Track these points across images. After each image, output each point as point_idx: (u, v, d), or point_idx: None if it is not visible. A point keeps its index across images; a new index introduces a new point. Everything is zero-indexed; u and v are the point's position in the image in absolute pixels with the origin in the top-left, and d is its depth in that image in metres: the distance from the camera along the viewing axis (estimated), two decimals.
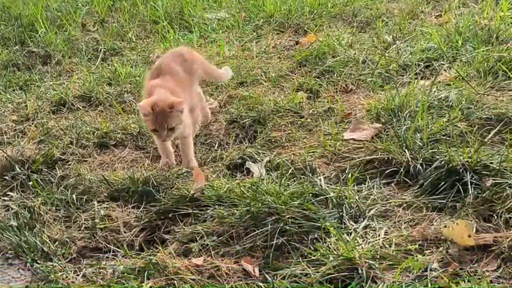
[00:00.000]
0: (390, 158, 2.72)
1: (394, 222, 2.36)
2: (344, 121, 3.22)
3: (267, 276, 2.15)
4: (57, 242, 2.47)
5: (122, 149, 3.33)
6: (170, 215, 2.59)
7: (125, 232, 2.55)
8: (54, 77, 4.50)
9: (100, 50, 4.82)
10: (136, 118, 3.55)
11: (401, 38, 4.17)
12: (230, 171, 2.92)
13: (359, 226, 2.33)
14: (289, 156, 2.92)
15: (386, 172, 2.67)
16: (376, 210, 2.43)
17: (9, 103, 4.04)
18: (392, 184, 2.60)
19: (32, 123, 3.69)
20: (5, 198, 2.91)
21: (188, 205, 2.60)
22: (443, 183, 2.49)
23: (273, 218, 2.39)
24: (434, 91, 3.22)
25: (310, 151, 2.95)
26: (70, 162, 3.20)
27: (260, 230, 2.37)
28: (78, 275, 2.25)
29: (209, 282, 2.14)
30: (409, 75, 3.57)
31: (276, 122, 3.29)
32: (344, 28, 4.57)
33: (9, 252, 2.46)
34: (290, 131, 3.19)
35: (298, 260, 2.19)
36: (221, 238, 2.39)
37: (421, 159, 2.62)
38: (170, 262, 2.24)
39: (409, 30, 4.30)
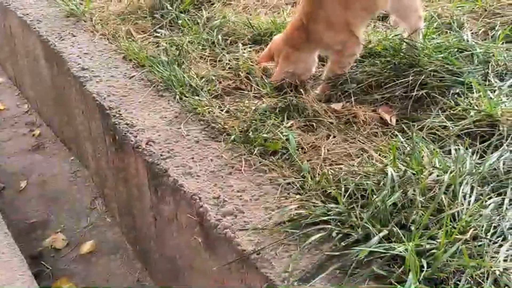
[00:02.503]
0: None
1: None
2: None
3: (404, 126, 2.17)
4: (203, 79, 2.60)
5: None
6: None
7: (266, 75, 2.62)
8: None
9: None
10: None
11: None
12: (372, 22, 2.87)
13: (505, 84, 2.26)
14: (436, 9, 2.81)
15: None
16: None
17: None
18: None
19: None
20: (156, 35, 3.07)
21: None
22: None
23: (415, 70, 2.36)
24: None
25: (459, 5, 2.82)
26: (215, 4, 3.28)
27: (400, 81, 2.36)
28: (222, 110, 2.38)
29: (347, 127, 2.20)
30: None
31: None
32: None
33: (160, 85, 2.63)
34: None
35: (437, 113, 2.18)
36: (361, 86, 2.41)
37: None
38: (310, 105, 2.31)
39: None
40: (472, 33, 2.61)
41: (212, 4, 3.31)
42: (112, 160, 2.65)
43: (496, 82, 2.30)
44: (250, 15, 3.16)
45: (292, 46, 2.44)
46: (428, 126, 2.11)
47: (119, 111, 2.48)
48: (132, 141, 2.29)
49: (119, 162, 2.56)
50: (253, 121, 2.23)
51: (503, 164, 1.86)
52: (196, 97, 2.48)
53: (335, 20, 2.39)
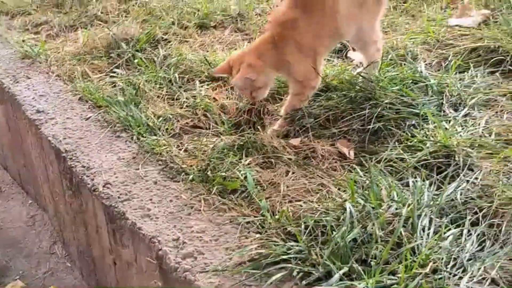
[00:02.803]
0: (497, 46, 2.62)
1: (496, 112, 2.31)
2: (450, 7, 3.09)
3: (362, 159, 2.18)
4: (161, 118, 2.58)
5: (222, 30, 3.36)
6: (269, 97, 2.63)
7: (223, 112, 2.62)
8: None
9: None
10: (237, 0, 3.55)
11: None
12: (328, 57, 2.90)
13: (459, 114, 2.30)
14: (390, 42, 2.86)
15: (492, 60, 2.57)
16: (478, 99, 2.37)
17: None
18: (497, 74, 2.51)
19: (136, 3, 3.77)
20: (112, 75, 3.04)
21: (286, 87, 2.63)
22: None
23: (371, 103, 2.38)
24: None
25: (412, 36, 2.87)
26: (172, 42, 3.28)
27: (357, 114, 2.37)
28: (180, 149, 2.36)
29: (305, 162, 2.20)
30: None
31: None
32: None
33: (117, 125, 2.60)
34: (392, 16, 3.11)
35: (394, 145, 2.20)
36: (318, 120, 2.42)
37: None
38: (268, 141, 2.31)
39: None
40: (426, 64, 2.65)
41: (169, 42, 3.31)
42: (70, 203, 2.60)
43: (450, 112, 2.33)
44: (207, 51, 3.16)
45: (258, 56, 2.42)
46: (386, 158, 2.12)
47: (76, 153, 2.44)
48: (89, 184, 2.25)
49: (77, 206, 2.51)
50: (212, 160, 2.22)
51: (460, 194, 1.87)
52: (154, 137, 2.46)
53: (305, 45, 2.41)
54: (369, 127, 2.30)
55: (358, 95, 2.44)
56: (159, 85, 2.86)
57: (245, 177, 2.08)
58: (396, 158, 2.12)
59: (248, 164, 2.20)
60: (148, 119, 2.57)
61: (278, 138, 2.34)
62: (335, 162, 2.21)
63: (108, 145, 2.48)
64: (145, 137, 2.46)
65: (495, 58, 2.58)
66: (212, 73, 2.61)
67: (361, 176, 2.04)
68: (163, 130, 2.50)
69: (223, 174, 2.13)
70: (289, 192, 2.03)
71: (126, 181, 2.23)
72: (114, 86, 2.93)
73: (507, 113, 2.28)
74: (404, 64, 2.68)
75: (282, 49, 2.40)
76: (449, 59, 2.67)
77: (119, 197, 2.14)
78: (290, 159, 2.22)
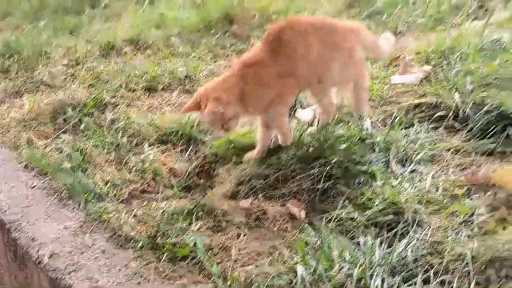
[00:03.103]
0: (439, 102, 2.68)
1: (442, 167, 2.35)
2: (393, 65, 3.17)
3: (313, 219, 2.17)
4: (109, 184, 2.54)
5: (170, 93, 3.36)
6: (218, 158, 2.62)
7: (173, 175, 2.60)
8: (103, 20, 4.53)
9: None
10: (184, 62, 3.57)
11: None
12: None
13: (406, 170, 2.33)
14: (336, 99, 2.89)
15: (435, 116, 2.63)
16: (424, 154, 2.41)
17: (60, 47, 4.11)
18: (441, 129, 2.56)
19: (82, 67, 3.75)
20: (58, 141, 2.99)
21: (236, 149, 2.63)
22: (493, 127, 2.45)
23: (320, 161, 2.40)
24: (487, 33, 3.13)
25: None
26: (119, 106, 3.26)
27: (306, 174, 2.38)
28: (129, 216, 2.31)
29: (256, 224, 2.18)
30: (461, 16, 3.47)
31: None
32: None
33: (64, 192, 2.54)
34: None
35: (344, 204, 2.20)
36: (268, 180, 2.41)
37: (471, 103, 2.58)
38: (218, 204, 2.29)
39: None
40: (371, 121, 2.69)
41: (117, 105, 3.28)
42: (15, 276, 2.50)
43: (398, 168, 2.35)
44: (155, 114, 3.14)
45: (225, 90, 2.43)
46: (336, 217, 2.12)
47: (20, 223, 2.37)
48: (34, 256, 2.18)
49: (22, 278, 2.42)
50: (161, 226, 2.18)
51: (411, 252, 1.88)
52: (102, 204, 2.41)
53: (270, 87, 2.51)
54: (318, 186, 2.31)
55: (307, 154, 2.46)
56: (107, 149, 2.82)
57: (195, 243, 2.05)
58: (346, 217, 2.13)
59: (199, 228, 2.17)
60: (95, 185, 2.53)
61: (229, 200, 2.33)
62: (286, 223, 2.20)
63: (55, 214, 2.42)
64: (93, 204, 2.41)
65: (437, 114, 2.64)
66: (181, 112, 2.60)
67: (312, 237, 2.03)
68: (111, 196, 2.46)
69: (173, 240, 2.09)
70: (241, 256, 2.01)
71: (73, 251, 2.17)
72: (61, 152, 2.88)
73: (452, 167, 2.32)
74: (351, 121, 2.72)
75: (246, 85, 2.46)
76: (393, 115, 2.72)
77: (65, 268, 2.07)
78: (241, 221, 2.20)
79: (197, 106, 2.46)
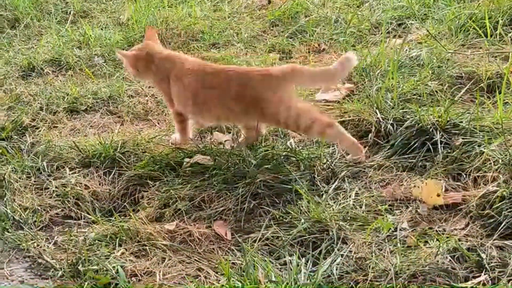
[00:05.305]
0: (361, 118, 2.73)
1: (365, 183, 2.38)
2: None
3: (239, 239, 2.16)
4: (28, 210, 2.45)
5: (93, 114, 3.29)
6: (141, 181, 2.57)
7: (96, 199, 2.53)
8: (23, 41, 4.40)
9: (70, 12, 4.72)
10: (107, 82, 3.50)
11: None
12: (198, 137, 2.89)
13: (330, 187, 2.35)
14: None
15: (358, 133, 2.67)
16: (348, 171, 2.44)
17: None
18: (363, 145, 2.60)
19: (1, 89, 3.62)
20: None
21: (159, 170, 2.59)
22: (413, 142, 2.51)
23: (245, 181, 2.39)
24: (406, 50, 3.21)
25: None
26: (40, 129, 3.15)
27: (232, 193, 2.37)
28: (49, 243, 2.24)
29: (182, 247, 2.15)
30: (381, 33, 3.56)
31: None
32: None
33: None
34: None
35: (269, 223, 2.20)
36: (193, 202, 2.38)
37: (392, 119, 2.63)
38: (142, 228, 2.24)
39: None
40: (296, 139, 2.71)
41: (37, 128, 3.17)
42: None
43: (322, 186, 2.37)
44: (78, 137, 3.06)
45: None
46: (262, 237, 2.12)
47: None
48: None
49: None
50: (83, 252, 2.11)
51: (336, 269, 1.89)
52: (20, 231, 2.32)
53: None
54: (244, 206, 2.30)
55: (232, 174, 2.45)
56: (26, 174, 2.72)
57: (118, 270, 1.99)
58: (272, 236, 2.13)
59: (122, 254, 2.12)
60: (14, 212, 2.43)
61: (153, 223, 2.29)
62: (212, 244, 2.18)
63: None
64: (11, 232, 2.32)
65: (361, 131, 2.68)
66: None
67: (238, 258, 2.02)
68: (31, 223, 2.37)
69: (95, 267, 2.03)
70: (166, 281, 1.98)
71: None
72: None
73: (374, 183, 2.36)
74: (275, 139, 2.73)
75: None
76: None
77: None
78: (165, 245, 2.16)
79: None
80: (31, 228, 2.34)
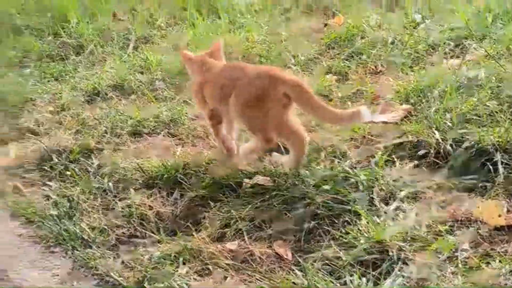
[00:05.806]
0: (419, 140, 2.74)
1: (425, 204, 2.38)
2: (374, 103, 3.23)
3: (299, 259, 2.19)
4: (95, 230, 2.54)
5: (155, 136, 3.39)
6: (203, 201, 2.64)
7: (160, 219, 2.61)
8: (87, 67, 4.57)
9: (131, 39, 4.88)
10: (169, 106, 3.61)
11: (430, 17, 4.14)
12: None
13: (390, 208, 2.36)
14: (319, 139, 2.94)
15: (416, 154, 2.68)
16: (407, 192, 2.45)
17: (45, 94, 4.14)
18: (422, 166, 2.61)
19: (68, 113, 3.77)
20: (45, 188, 3.00)
21: (220, 191, 2.66)
22: (473, 163, 2.50)
23: (304, 202, 2.43)
24: (464, 70, 3.20)
25: (338, 134, 2.97)
26: (105, 151, 3.27)
27: (292, 214, 2.41)
28: (116, 261, 2.32)
29: (244, 267, 2.20)
30: (437, 54, 3.56)
31: None
32: (372, 8, 4.55)
33: (50, 240, 2.54)
34: None
35: (329, 243, 2.23)
36: (254, 222, 2.43)
37: (451, 140, 2.63)
38: (205, 247, 2.30)
39: (439, 8, 4.26)
40: (354, 160, 2.73)
41: (102, 150, 3.30)
42: None
43: (382, 207, 2.38)
44: (142, 158, 3.16)
45: None
46: (322, 257, 2.15)
47: (7, 273, 2.36)
48: None
49: None
50: (148, 271, 2.19)
51: None
52: (89, 250, 2.41)
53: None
54: (304, 226, 2.34)
55: (292, 194, 2.49)
56: (93, 195, 2.83)
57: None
58: (332, 256, 2.15)
59: (186, 272, 2.18)
60: (82, 231, 2.53)
61: (215, 243, 2.34)
62: (273, 264, 2.22)
63: (42, 262, 2.42)
64: (80, 250, 2.42)
65: (419, 152, 2.68)
66: None
67: (299, 277, 2.05)
68: (99, 242, 2.46)
69: (161, 285, 2.10)
70: None
71: None
72: (48, 199, 2.88)
73: (434, 204, 2.36)
74: (334, 160, 2.76)
75: None
76: (376, 154, 2.76)
77: None
78: (227, 264, 2.21)
79: None
80: (99, 247, 2.43)
